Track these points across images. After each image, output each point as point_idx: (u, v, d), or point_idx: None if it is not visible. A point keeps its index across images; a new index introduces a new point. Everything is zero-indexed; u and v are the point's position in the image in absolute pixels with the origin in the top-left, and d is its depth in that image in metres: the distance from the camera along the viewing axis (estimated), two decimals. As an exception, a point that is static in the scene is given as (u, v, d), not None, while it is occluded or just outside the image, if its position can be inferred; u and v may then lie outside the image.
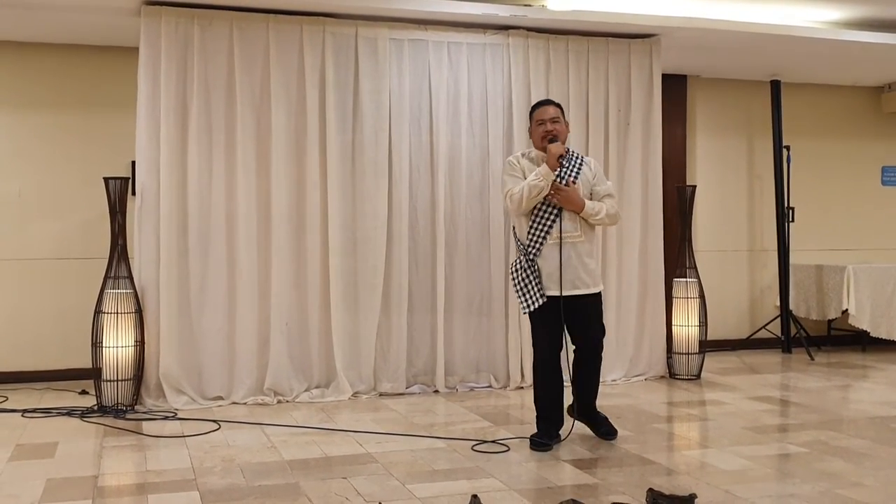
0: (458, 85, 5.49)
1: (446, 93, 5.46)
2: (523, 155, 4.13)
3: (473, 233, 5.51)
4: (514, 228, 4.14)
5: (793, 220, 7.07)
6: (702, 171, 7.14)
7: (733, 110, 7.25)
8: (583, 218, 3.97)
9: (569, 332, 4.05)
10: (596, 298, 4.04)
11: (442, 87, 5.44)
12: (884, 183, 7.73)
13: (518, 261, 4.02)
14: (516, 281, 3.99)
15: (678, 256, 6.04)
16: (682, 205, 6.05)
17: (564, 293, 3.91)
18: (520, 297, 3.97)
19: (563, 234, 3.91)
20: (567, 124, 4.14)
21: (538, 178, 3.89)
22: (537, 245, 3.94)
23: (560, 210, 3.92)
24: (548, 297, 3.91)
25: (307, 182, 5.21)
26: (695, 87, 7.14)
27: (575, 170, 4.00)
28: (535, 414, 4.12)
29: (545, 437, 4.01)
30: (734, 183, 7.27)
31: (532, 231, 3.96)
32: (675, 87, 6.89)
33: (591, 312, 4.03)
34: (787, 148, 6.98)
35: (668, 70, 6.45)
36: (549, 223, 3.93)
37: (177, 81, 5.03)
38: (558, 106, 4.11)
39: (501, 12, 5.30)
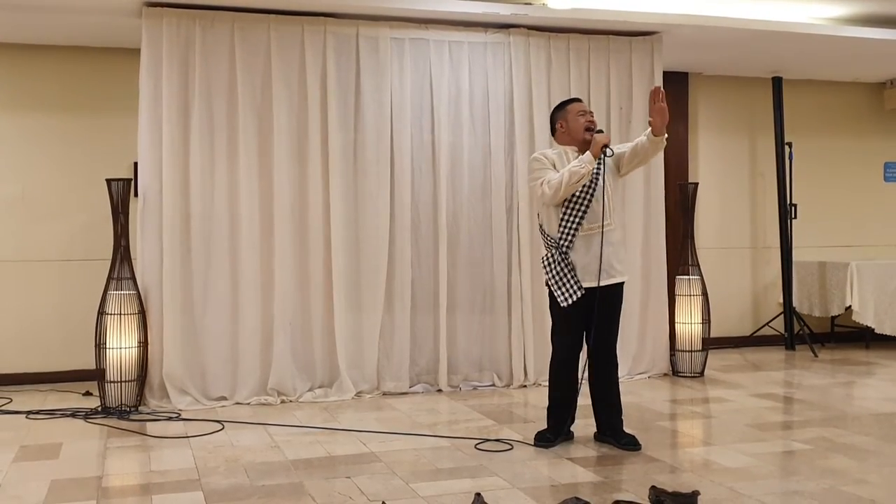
0: (460, 84, 5.49)
1: (448, 92, 5.46)
2: (552, 150, 4.13)
3: (476, 231, 5.51)
4: (540, 225, 4.07)
5: (795, 217, 7.06)
6: (704, 169, 7.13)
7: (735, 107, 7.25)
8: (611, 204, 3.94)
9: (589, 333, 3.99)
10: (622, 290, 4.01)
11: (443, 86, 5.44)
12: (886, 179, 7.72)
13: (549, 255, 3.97)
14: (551, 274, 3.92)
15: (681, 254, 6.04)
16: (684, 202, 6.05)
17: (602, 283, 3.86)
18: (557, 289, 3.90)
19: (595, 225, 3.87)
20: None
21: (581, 164, 3.84)
22: (569, 237, 3.89)
23: (591, 201, 3.89)
24: (586, 288, 3.88)
25: (309, 182, 5.21)
26: (696, 85, 7.14)
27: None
28: (546, 411, 4.11)
29: (549, 433, 4.02)
30: (736, 180, 7.27)
31: (564, 223, 3.90)
32: (676, 85, 6.87)
33: (612, 312, 3.97)
34: (790, 145, 6.97)
35: (670, 67, 6.44)
36: (580, 215, 3.88)
37: (178, 82, 5.03)
38: None
39: (503, 11, 5.30)
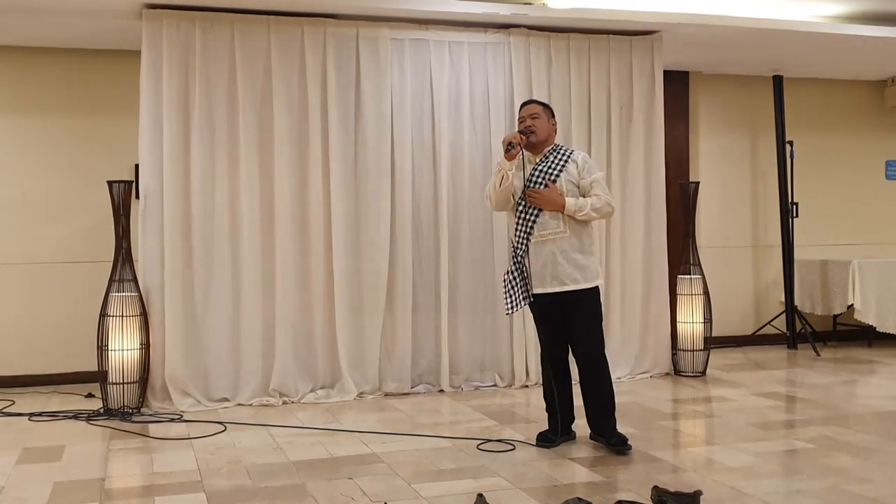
0: (460, 84, 5.49)
1: (448, 92, 5.46)
2: None
3: (477, 231, 5.51)
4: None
5: (797, 216, 7.05)
6: (705, 168, 7.13)
7: (736, 106, 7.24)
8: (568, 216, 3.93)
9: (567, 336, 4.01)
10: (590, 295, 3.93)
11: (443, 86, 5.44)
12: (888, 177, 7.71)
13: (509, 262, 4.03)
14: (505, 281, 3.99)
15: (682, 253, 6.03)
16: (685, 201, 6.05)
17: (551, 290, 3.88)
18: (506, 297, 3.96)
19: (545, 232, 3.89)
20: (554, 124, 4.10)
21: (497, 168, 3.95)
22: (522, 245, 3.92)
23: (539, 210, 3.90)
24: (537, 294, 3.90)
25: (310, 183, 5.21)
26: (697, 83, 7.13)
27: (558, 168, 3.96)
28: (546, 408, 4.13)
29: (551, 433, 4.02)
30: (737, 179, 7.26)
31: (517, 232, 3.96)
32: (677, 84, 6.88)
33: (585, 313, 3.93)
34: (791, 143, 6.97)
35: (670, 66, 6.44)
36: (530, 222, 3.91)
37: (179, 84, 5.04)
38: (543, 105, 4.10)
39: (502, 11, 5.30)
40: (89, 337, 5.06)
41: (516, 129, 4.13)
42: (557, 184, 3.92)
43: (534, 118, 4.00)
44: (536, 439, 4.04)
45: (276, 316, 5.14)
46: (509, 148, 3.86)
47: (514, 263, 3.94)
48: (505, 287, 3.98)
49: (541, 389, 4.16)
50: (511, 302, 3.93)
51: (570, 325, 3.96)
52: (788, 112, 7.03)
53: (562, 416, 4.06)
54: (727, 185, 7.21)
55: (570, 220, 3.92)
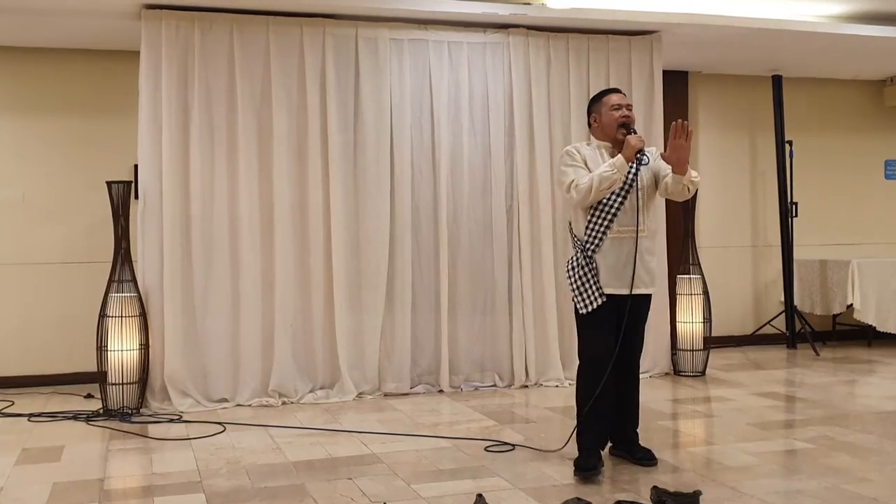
0: (459, 84, 5.49)
1: (447, 92, 5.46)
2: (587, 144, 3.85)
3: (476, 231, 5.51)
4: (570, 224, 3.83)
5: (796, 216, 7.05)
6: (704, 168, 7.12)
7: (735, 106, 7.24)
8: (649, 210, 3.70)
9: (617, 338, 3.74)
10: (649, 300, 3.82)
11: (443, 86, 5.44)
12: (887, 177, 7.72)
13: (575, 257, 3.70)
14: (572, 279, 3.67)
15: (681, 253, 6.04)
16: (684, 201, 6.02)
17: (625, 291, 3.63)
18: (577, 296, 3.65)
19: (624, 229, 3.63)
20: None
21: (612, 169, 3.54)
22: (596, 240, 3.65)
23: (622, 204, 3.64)
24: (607, 295, 3.62)
25: (309, 183, 5.21)
26: (696, 83, 7.13)
27: (644, 158, 3.68)
28: (577, 427, 3.69)
29: (592, 458, 3.57)
30: (737, 179, 7.26)
31: (591, 225, 3.67)
32: (676, 84, 6.87)
33: (641, 318, 3.79)
34: (790, 143, 6.97)
35: (669, 66, 6.44)
36: (609, 217, 3.64)
37: (178, 84, 5.04)
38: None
39: (502, 11, 5.30)
40: (89, 337, 5.06)
41: (598, 118, 3.80)
42: (644, 185, 3.69)
43: (629, 108, 3.77)
44: (578, 468, 3.55)
45: (276, 316, 5.14)
46: (639, 154, 3.60)
47: (584, 258, 3.66)
48: (573, 285, 3.69)
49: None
50: (586, 301, 3.64)
51: (627, 328, 3.69)
52: (787, 112, 7.03)
53: (600, 430, 3.68)
54: (727, 185, 7.21)
55: (647, 219, 3.70)
